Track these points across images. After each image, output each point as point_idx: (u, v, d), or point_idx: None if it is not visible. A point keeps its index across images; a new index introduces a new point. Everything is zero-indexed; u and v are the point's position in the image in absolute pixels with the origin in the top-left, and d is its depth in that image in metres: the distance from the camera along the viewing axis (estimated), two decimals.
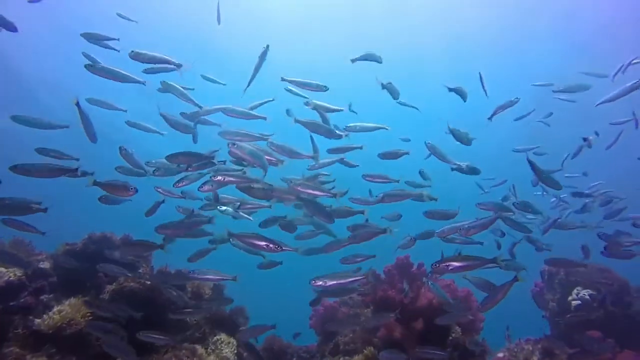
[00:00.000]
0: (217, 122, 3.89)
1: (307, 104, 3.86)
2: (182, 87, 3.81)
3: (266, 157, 3.28)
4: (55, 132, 3.60)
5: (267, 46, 3.79)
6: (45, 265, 4.07)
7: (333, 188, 3.64)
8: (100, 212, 3.97)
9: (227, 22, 5.89)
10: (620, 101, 4.15)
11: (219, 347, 3.97)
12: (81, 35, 4.03)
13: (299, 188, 3.41)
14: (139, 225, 4.69)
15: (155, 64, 3.54)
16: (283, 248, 2.85)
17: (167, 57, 3.50)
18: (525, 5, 11.86)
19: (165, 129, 4.11)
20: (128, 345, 3.14)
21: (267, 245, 2.81)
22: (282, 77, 3.87)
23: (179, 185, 3.44)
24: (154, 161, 3.71)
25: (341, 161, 4.01)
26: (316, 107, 3.84)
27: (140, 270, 4.23)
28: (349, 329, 4.20)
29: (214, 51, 12.86)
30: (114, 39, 4.12)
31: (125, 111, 4.46)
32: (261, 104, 4.07)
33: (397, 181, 4.09)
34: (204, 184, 3.25)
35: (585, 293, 4.95)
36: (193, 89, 4.03)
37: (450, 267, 2.79)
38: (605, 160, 5.79)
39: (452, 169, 3.98)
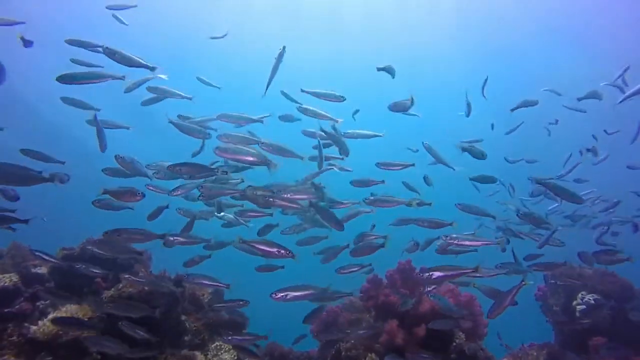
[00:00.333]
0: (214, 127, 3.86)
1: (299, 109, 3.90)
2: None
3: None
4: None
5: (284, 47, 3.74)
6: (42, 270, 4.00)
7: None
8: (101, 216, 3.93)
9: (227, 22, 5.86)
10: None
11: (219, 353, 3.88)
12: (65, 41, 3.83)
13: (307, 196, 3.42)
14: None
15: (129, 65, 3.33)
16: (293, 255, 2.89)
17: (141, 60, 3.33)
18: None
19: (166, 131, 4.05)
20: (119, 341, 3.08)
21: (278, 252, 2.85)
22: (301, 89, 3.87)
23: (174, 194, 3.45)
24: (154, 164, 3.68)
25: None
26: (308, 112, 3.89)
27: (140, 274, 4.15)
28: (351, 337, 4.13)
29: (214, 51, 12.83)
30: (98, 47, 3.94)
31: (99, 110, 4.13)
32: (259, 119, 4.08)
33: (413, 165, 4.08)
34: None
35: (590, 297, 4.87)
36: (191, 98, 4.05)
37: (433, 277, 2.92)
38: (599, 167, 5.77)
39: (463, 150, 3.89)
